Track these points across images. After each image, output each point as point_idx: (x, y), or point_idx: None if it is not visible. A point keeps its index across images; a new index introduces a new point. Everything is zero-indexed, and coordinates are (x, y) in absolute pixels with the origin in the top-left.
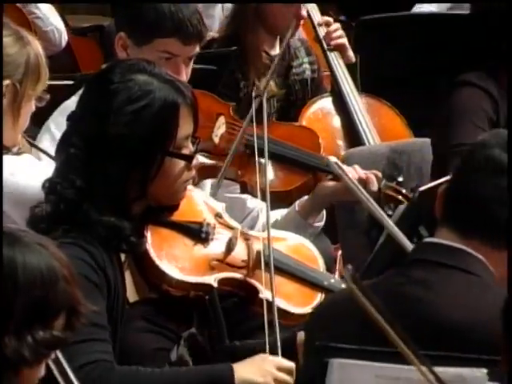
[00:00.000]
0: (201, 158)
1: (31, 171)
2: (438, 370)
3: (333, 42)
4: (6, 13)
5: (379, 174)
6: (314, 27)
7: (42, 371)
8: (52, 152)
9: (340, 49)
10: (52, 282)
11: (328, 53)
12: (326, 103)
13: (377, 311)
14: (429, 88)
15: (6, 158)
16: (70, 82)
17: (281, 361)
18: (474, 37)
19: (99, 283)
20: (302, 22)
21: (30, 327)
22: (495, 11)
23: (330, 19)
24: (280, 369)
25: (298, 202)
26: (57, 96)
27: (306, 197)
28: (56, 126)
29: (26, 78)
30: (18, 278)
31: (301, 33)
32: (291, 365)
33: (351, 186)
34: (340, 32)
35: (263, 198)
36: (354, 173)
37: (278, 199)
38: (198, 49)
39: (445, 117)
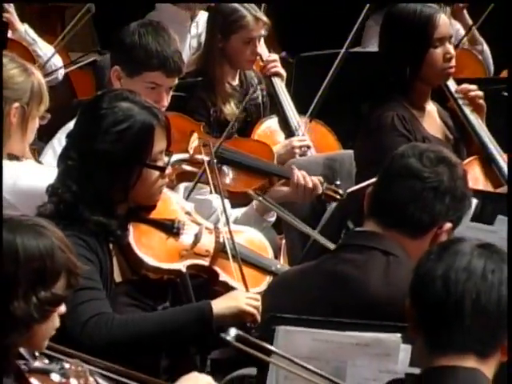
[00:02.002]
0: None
1: (37, 173)
2: (361, 334)
3: (272, 70)
4: (14, 49)
5: (321, 179)
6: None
7: (56, 323)
8: (54, 163)
9: (280, 74)
10: (48, 253)
11: (272, 79)
12: (272, 122)
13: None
14: (354, 111)
15: (16, 164)
16: None
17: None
18: (386, 70)
19: (94, 262)
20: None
21: (34, 290)
22: (399, 51)
23: (274, 55)
24: (248, 296)
25: (254, 202)
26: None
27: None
28: (59, 143)
29: (32, 101)
30: (19, 255)
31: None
32: (257, 295)
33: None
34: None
35: (226, 198)
36: (303, 180)
37: (240, 199)
38: (177, 80)
39: (367, 133)
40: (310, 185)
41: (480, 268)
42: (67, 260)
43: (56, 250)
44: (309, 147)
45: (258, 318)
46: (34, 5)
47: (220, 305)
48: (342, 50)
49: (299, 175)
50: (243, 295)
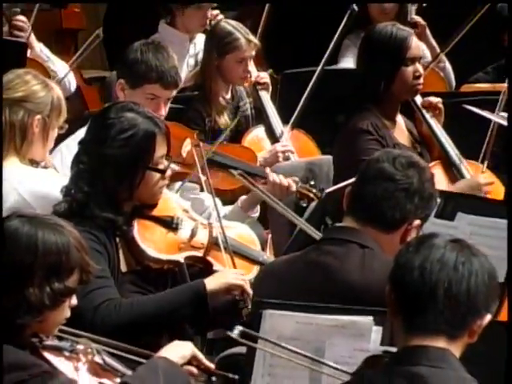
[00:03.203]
0: (173, 166)
1: (54, 181)
2: (338, 317)
3: (261, 81)
4: (31, 66)
5: (296, 179)
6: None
7: (67, 313)
8: (59, 167)
9: (266, 87)
10: (65, 250)
11: (260, 92)
12: (259, 131)
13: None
14: (331, 121)
15: (37, 169)
16: None
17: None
18: (362, 85)
19: (103, 254)
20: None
21: (49, 281)
22: (375, 68)
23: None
24: (234, 272)
25: (240, 200)
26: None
27: (245, 196)
28: (66, 148)
29: (52, 114)
30: (38, 248)
31: None
32: (242, 270)
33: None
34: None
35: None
36: (278, 179)
37: (226, 196)
38: (174, 93)
39: (344, 139)
40: (285, 183)
41: (452, 260)
42: (81, 258)
43: (72, 248)
44: (291, 152)
45: (247, 288)
46: (51, 28)
47: (212, 282)
48: (319, 68)
49: (274, 175)
50: (230, 271)
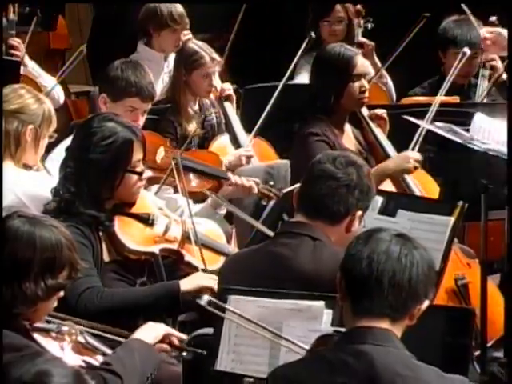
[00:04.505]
0: (149, 172)
1: (45, 182)
2: (294, 302)
3: (226, 93)
4: (24, 81)
5: (257, 180)
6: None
7: (55, 303)
8: (51, 169)
9: (230, 99)
10: (58, 248)
11: (225, 103)
12: (224, 138)
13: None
14: (288, 130)
15: (30, 172)
16: None
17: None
18: (314, 98)
19: (88, 246)
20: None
21: (43, 276)
22: (326, 83)
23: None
24: (206, 276)
25: (209, 199)
26: None
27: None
28: (55, 155)
29: (43, 124)
30: (36, 246)
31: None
32: (213, 275)
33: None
34: (231, 90)
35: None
36: (240, 181)
37: (198, 196)
38: (150, 105)
39: (298, 146)
40: (247, 184)
41: (396, 252)
42: (71, 257)
43: (64, 247)
44: (252, 157)
45: (215, 290)
46: (40, 48)
47: (186, 283)
48: (281, 84)
49: (237, 177)
50: (203, 275)
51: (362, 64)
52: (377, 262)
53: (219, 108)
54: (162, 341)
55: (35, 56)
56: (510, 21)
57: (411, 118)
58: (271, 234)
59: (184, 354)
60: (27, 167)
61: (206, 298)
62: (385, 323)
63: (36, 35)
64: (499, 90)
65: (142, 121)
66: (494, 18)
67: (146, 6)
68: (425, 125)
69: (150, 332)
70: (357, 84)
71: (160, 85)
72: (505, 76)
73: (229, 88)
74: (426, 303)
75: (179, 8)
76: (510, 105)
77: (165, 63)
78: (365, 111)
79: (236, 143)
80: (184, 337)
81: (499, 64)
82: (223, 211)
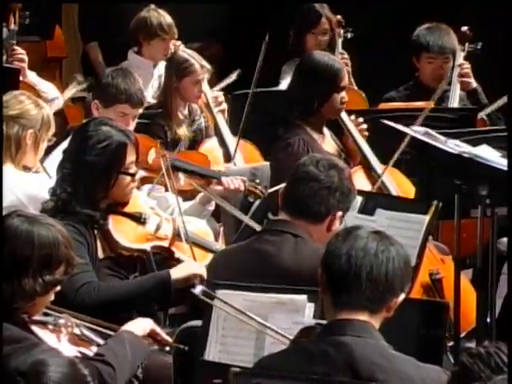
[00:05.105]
0: (141, 172)
1: (43, 183)
2: (278, 295)
3: (217, 102)
4: (25, 89)
5: (244, 179)
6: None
7: (51, 297)
8: (51, 170)
9: (222, 107)
10: (56, 245)
11: (213, 109)
12: (213, 141)
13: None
14: (272, 134)
15: (29, 174)
16: None
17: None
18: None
19: (83, 243)
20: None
21: (41, 272)
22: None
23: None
24: (196, 264)
25: (198, 196)
26: None
27: (202, 193)
28: (56, 156)
29: (42, 128)
30: (34, 243)
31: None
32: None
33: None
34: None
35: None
36: (231, 181)
37: (187, 194)
38: (140, 110)
39: (279, 151)
40: (236, 183)
41: (373, 248)
42: (68, 253)
43: (61, 245)
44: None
45: (205, 276)
46: (38, 56)
47: (176, 271)
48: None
49: (227, 178)
50: (193, 263)
51: (346, 76)
52: (355, 257)
53: (208, 113)
54: (148, 335)
55: (33, 64)
56: (510, 21)
57: (389, 123)
58: (258, 227)
59: (167, 348)
60: (26, 169)
61: (199, 287)
62: (363, 315)
63: (34, 44)
64: (469, 97)
65: (132, 125)
66: (465, 28)
67: (137, 17)
68: (403, 129)
69: (139, 325)
70: (340, 95)
71: (150, 90)
72: (475, 84)
73: (221, 97)
74: (402, 296)
75: (168, 19)
76: (510, 105)
77: (154, 70)
78: (345, 117)
79: (223, 146)
80: (168, 339)
81: (470, 70)
82: (211, 208)
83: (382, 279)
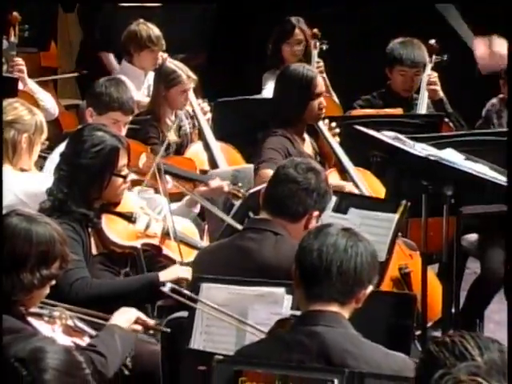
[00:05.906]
0: (132, 175)
1: (41, 182)
2: (258, 288)
3: (204, 111)
4: (23, 97)
5: (228, 182)
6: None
7: (47, 291)
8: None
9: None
10: (52, 243)
11: (198, 117)
12: (198, 146)
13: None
14: (252, 139)
15: (27, 174)
16: None
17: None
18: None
19: (78, 241)
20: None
21: (39, 267)
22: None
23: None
24: (183, 269)
25: (185, 199)
26: None
27: (188, 196)
28: (52, 159)
29: (36, 133)
30: (33, 240)
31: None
32: (188, 267)
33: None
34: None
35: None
36: (217, 183)
37: (174, 197)
38: (130, 117)
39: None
40: (220, 185)
41: (343, 244)
42: (63, 250)
43: (57, 242)
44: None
45: (190, 280)
46: (33, 66)
47: (164, 274)
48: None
49: (213, 181)
50: (180, 268)
51: (321, 84)
52: (326, 253)
53: (194, 119)
54: (134, 322)
55: (28, 73)
56: (511, 21)
57: (361, 128)
58: (239, 226)
59: (151, 332)
60: (23, 171)
61: (168, 285)
62: (334, 307)
63: (29, 54)
64: (435, 105)
65: (123, 131)
66: (433, 41)
67: (128, 29)
68: (374, 133)
69: (125, 315)
70: (316, 102)
71: (141, 97)
72: (442, 94)
73: (207, 107)
74: (370, 288)
75: (156, 31)
76: (510, 106)
77: (145, 79)
78: (320, 123)
79: (208, 150)
80: (151, 321)
81: (437, 80)
82: (197, 210)
83: (351, 273)
